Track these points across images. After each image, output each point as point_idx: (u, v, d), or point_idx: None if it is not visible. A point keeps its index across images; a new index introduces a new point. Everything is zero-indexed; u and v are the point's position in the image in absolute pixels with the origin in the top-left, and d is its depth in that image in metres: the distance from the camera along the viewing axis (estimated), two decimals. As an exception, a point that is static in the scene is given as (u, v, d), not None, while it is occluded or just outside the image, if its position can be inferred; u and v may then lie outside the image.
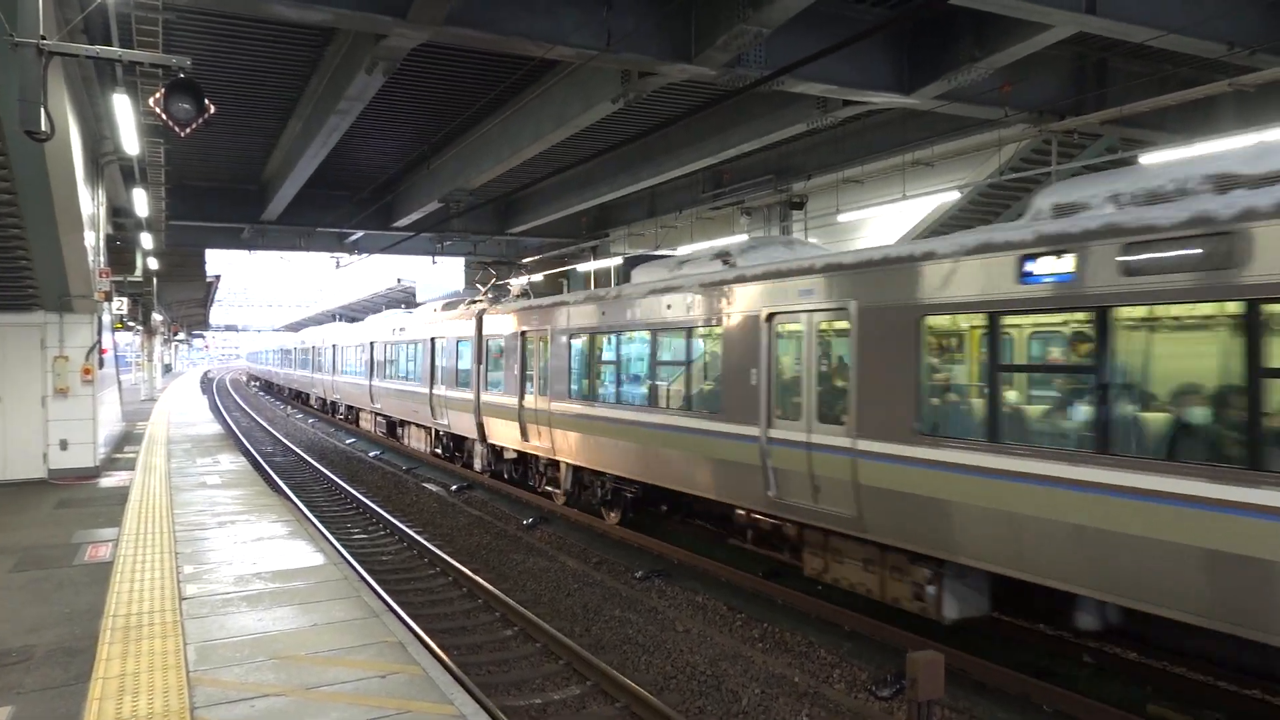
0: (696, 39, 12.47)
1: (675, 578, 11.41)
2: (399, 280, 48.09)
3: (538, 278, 27.87)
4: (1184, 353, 6.52)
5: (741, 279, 10.21)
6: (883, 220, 20.70)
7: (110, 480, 15.48)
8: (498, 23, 11.63)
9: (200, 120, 8.06)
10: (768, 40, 12.43)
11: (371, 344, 28.00)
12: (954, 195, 17.87)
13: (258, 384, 74.90)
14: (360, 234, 30.75)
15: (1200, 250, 5.90)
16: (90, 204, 14.48)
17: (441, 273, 41.45)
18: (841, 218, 19.56)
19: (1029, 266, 6.96)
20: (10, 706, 5.84)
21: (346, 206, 27.49)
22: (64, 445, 15.47)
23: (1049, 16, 11.39)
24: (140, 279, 24.15)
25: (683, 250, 22.81)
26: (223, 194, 26.65)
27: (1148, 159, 14.46)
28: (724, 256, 11.58)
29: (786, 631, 9.25)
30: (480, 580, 10.95)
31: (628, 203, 28.72)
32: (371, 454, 24.82)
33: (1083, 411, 6.81)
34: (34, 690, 6.13)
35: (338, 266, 34.78)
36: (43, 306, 15.07)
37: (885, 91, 14.32)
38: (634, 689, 7.48)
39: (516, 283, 22.90)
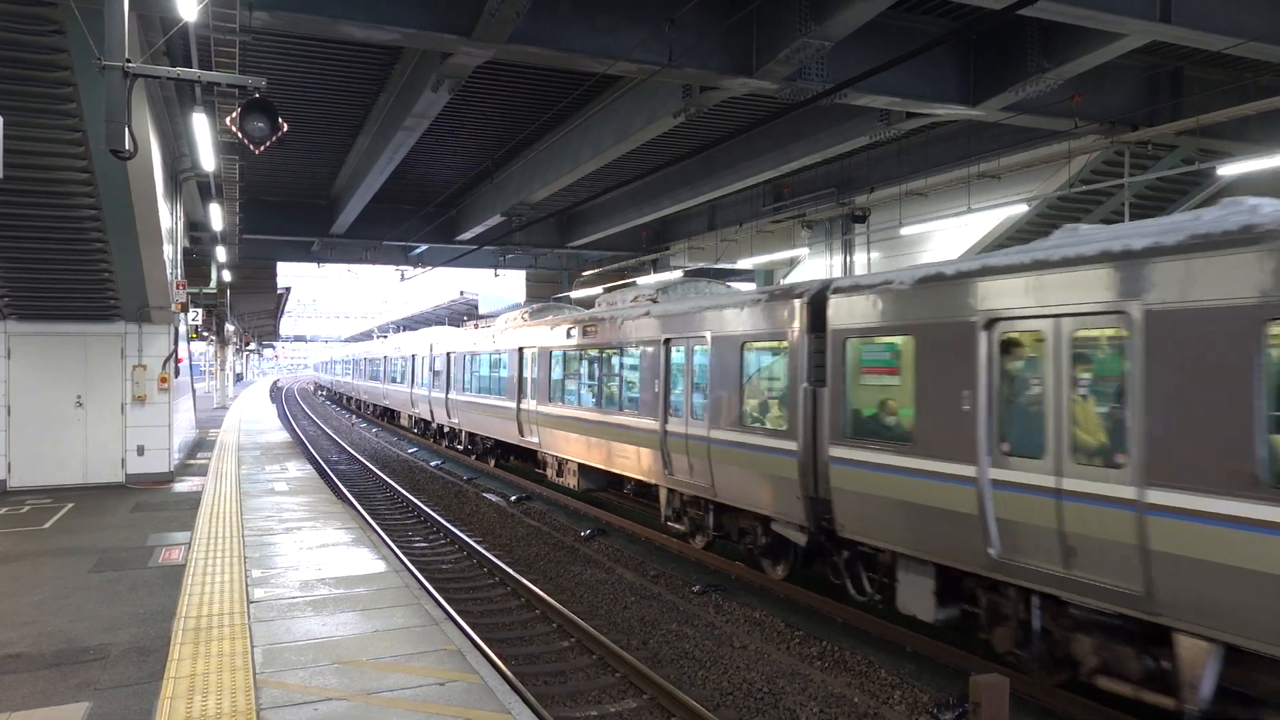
0: (758, 53, 12.47)
1: (733, 593, 11.34)
2: (461, 292, 49.00)
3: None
4: None
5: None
6: (948, 234, 20.38)
7: (184, 485, 15.99)
8: (561, 40, 11.80)
9: (274, 138, 8.31)
10: (830, 53, 12.37)
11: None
12: (1022, 208, 17.52)
13: (324, 394, 76.84)
14: (424, 247, 31.40)
15: None
16: (169, 218, 15.05)
17: (503, 285, 42.08)
18: (904, 231, 19.32)
19: None
20: (88, 702, 6.06)
21: (412, 220, 28.09)
22: (141, 451, 16.05)
23: (1122, 25, 11.14)
24: (214, 291, 24.96)
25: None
26: (293, 208, 27.48)
27: (1224, 170, 14.01)
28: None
29: (846, 650, 9.11)
30: (538, 591, 11.02)
31: (688, 216, 28.81)
32: (433, 464, 25.19)
33: None
34: (110, 687, 6.35)
35: (402, 279, 35.50)
36: (123, 317, 15.68)
37: (950, 103, 14.13)
38: (691, 704, 7.45)
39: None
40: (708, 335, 11.66)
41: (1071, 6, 10.47)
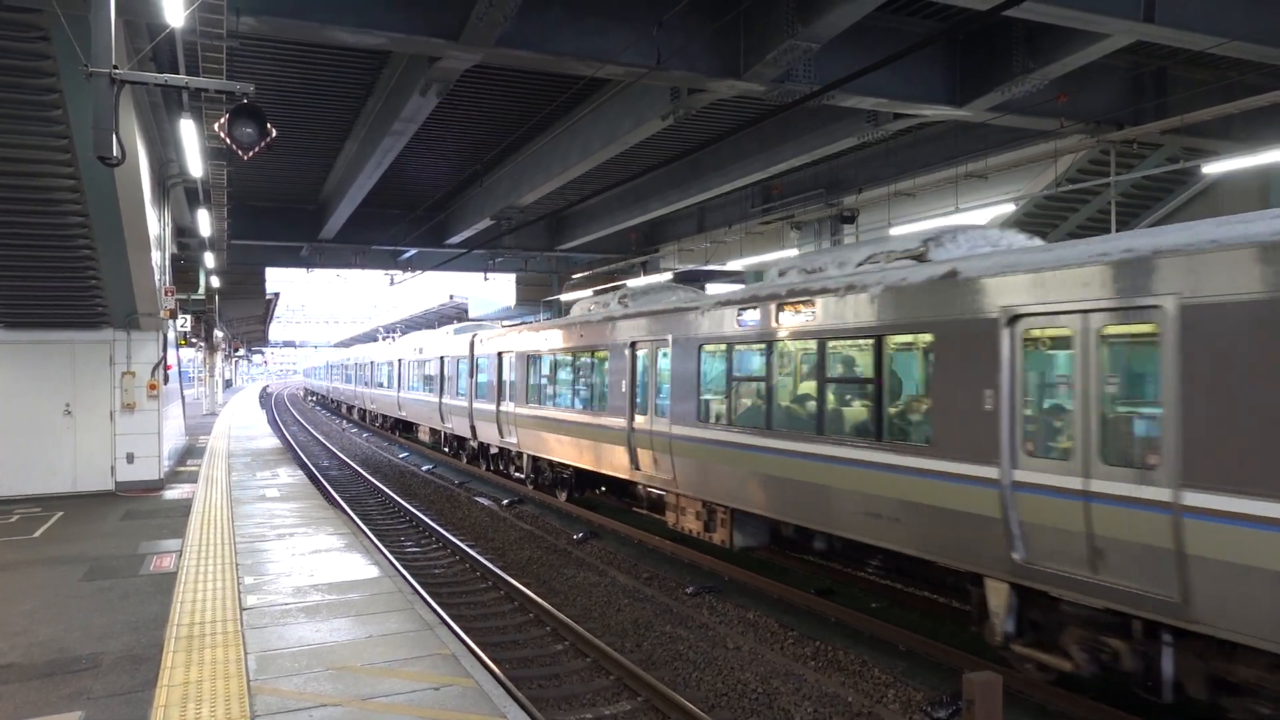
0: (746, 55, 12.51)
1: (726, 594, 11.36)
2: (451, 296, 48.98)
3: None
4: None
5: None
6: (935, 233, 20.45)
7: (174, 493, 15.91)
8: (549, 43, 11.81)
9: (263, 144, 8.29)
10: (817, 55, 12.43)
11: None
12: (1009, 208, 17.61)
13: (314, 399, 76.68)
14: (414, 251, 31.34)
15: None
16: (156, 225, 14.98)
17: (493, 289, 42.12)
18: (893, 231, 19.38)
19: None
20: (80, 712, 6.03)
21: (401, 224, 28.05)
22: (130, 458, 15.97)
23: (1106, 25, 11.22)
24: (203, 297, 24.89)
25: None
26: (282, 213, 27.40)
27: (1209, 168, 14.12)
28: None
29: (840, 650, 9.14)
30: (531, 594, 11.01)
31: (678, 218, 28.84)
32: (424, 468, 25.14)
33: None
34: (103, 696, 6.32)
35: (392, 283, 35.43)
36: (111, 324, 15.60)
37: (937, 104, 14.20)
38: (685, 705, 7.46)
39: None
40: (1169, 304, 6.16)
41: (1056, 7, 10.55)
